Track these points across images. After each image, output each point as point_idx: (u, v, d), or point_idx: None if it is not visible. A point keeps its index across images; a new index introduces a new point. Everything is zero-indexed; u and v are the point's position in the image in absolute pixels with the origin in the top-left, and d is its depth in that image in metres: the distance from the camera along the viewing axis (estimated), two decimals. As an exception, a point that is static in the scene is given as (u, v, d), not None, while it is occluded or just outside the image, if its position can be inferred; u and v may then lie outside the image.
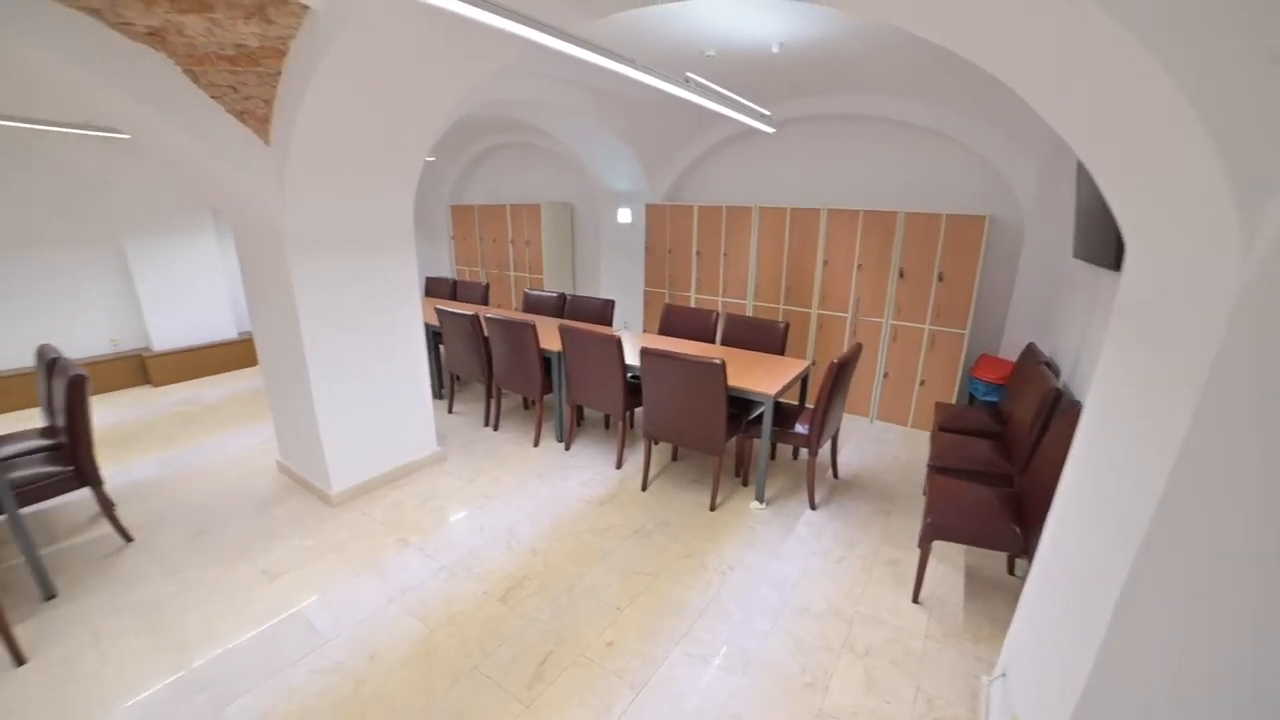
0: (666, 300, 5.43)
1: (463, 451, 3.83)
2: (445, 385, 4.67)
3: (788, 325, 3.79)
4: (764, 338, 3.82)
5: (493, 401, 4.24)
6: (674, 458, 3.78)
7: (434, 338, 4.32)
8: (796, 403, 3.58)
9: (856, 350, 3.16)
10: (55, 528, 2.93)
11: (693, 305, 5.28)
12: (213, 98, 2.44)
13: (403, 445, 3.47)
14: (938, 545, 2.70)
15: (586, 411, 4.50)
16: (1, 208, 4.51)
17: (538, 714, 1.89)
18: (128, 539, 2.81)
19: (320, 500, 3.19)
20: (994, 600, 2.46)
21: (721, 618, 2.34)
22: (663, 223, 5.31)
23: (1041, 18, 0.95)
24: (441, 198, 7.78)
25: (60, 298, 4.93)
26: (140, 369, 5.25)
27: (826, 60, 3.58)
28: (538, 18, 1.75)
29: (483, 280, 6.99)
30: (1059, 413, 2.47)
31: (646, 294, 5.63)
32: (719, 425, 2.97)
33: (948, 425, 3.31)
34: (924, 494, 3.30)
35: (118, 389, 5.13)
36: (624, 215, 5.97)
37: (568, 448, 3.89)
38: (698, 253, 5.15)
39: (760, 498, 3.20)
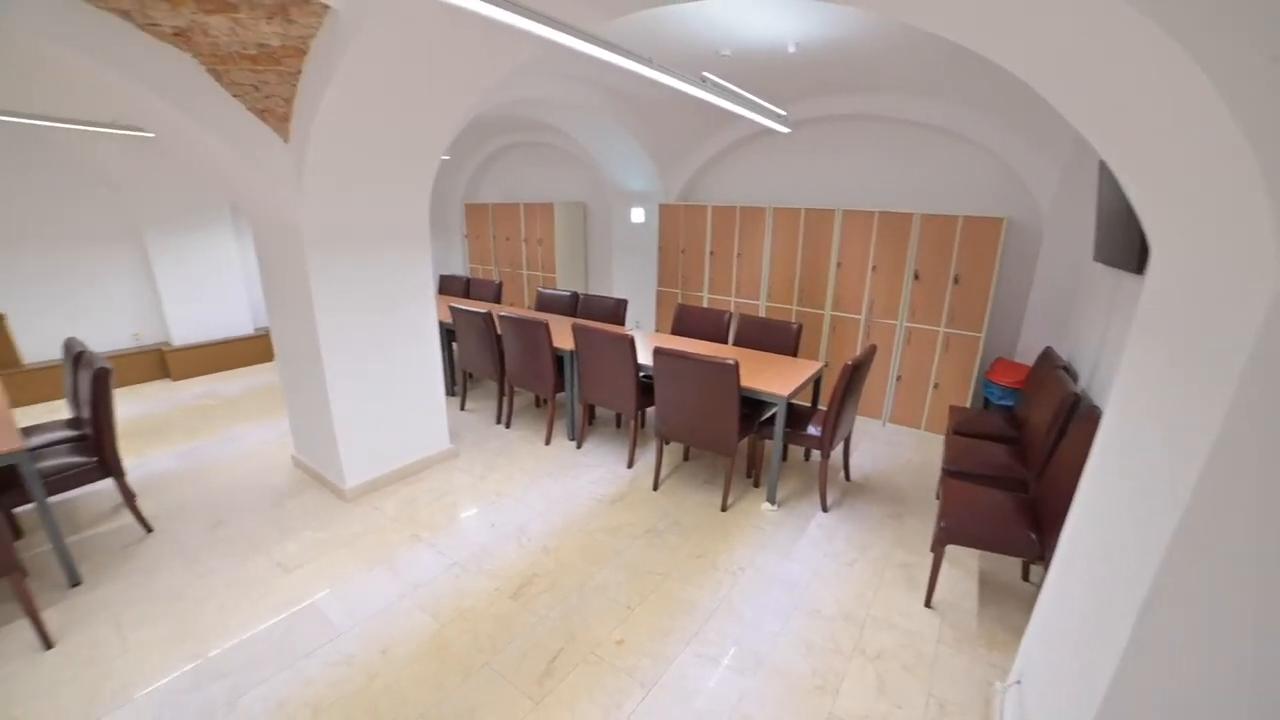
0: (679, 300, 5.43)
1: (475, 448, 3.86)
2: (457, 382, 4.70)
3: (801, 327, 3.77)
4: (777, 339, 3.81)
5: (505, 399, 4.26)
6: (685, 458, 3.77)
7: (447, 335, 4.36)
8: (809, 404, 3.56)
9: (871, 352, 3.14)
10: (79, 517, 2.99)
11: (705, 305, 5.27)
12: (234, 96, 2.48)
13: (415, 441, 3.50)
14: (951, 550, 2.67)
15: (598, 410, 4.51)
16: (31, 204, 4.63)
17: (548, 711, 1.90)
18: (148, 529, 2.87)
19: (334, 495, 3.23)
20: (1008, 606, 2.43)
21: (732, 618, 2.34)
22: (676, 222, 5.31)
23: (1072, 18, 0.94)
24: (456, 196, 7.83)
25: (86, 292, 5.05)
26: (160, 363, 5.34)
27: (843, 60, 3.56)
28: (555, 16, 1.75)
29: (496, 278, 7.04)
30: (1077, 418, 2.44)
31: (659, 294, 5.63)
32: (731, 426, 2.96)
33: (962, 429, 3.27)
34: (937, 498, 3.27)
35: (139, 382, 5.23)
36: (637, 215, 5.97)
37: (579, 446, 3.90)
38: (711, 253, 5.13)
39: (772, 499, 3.19)
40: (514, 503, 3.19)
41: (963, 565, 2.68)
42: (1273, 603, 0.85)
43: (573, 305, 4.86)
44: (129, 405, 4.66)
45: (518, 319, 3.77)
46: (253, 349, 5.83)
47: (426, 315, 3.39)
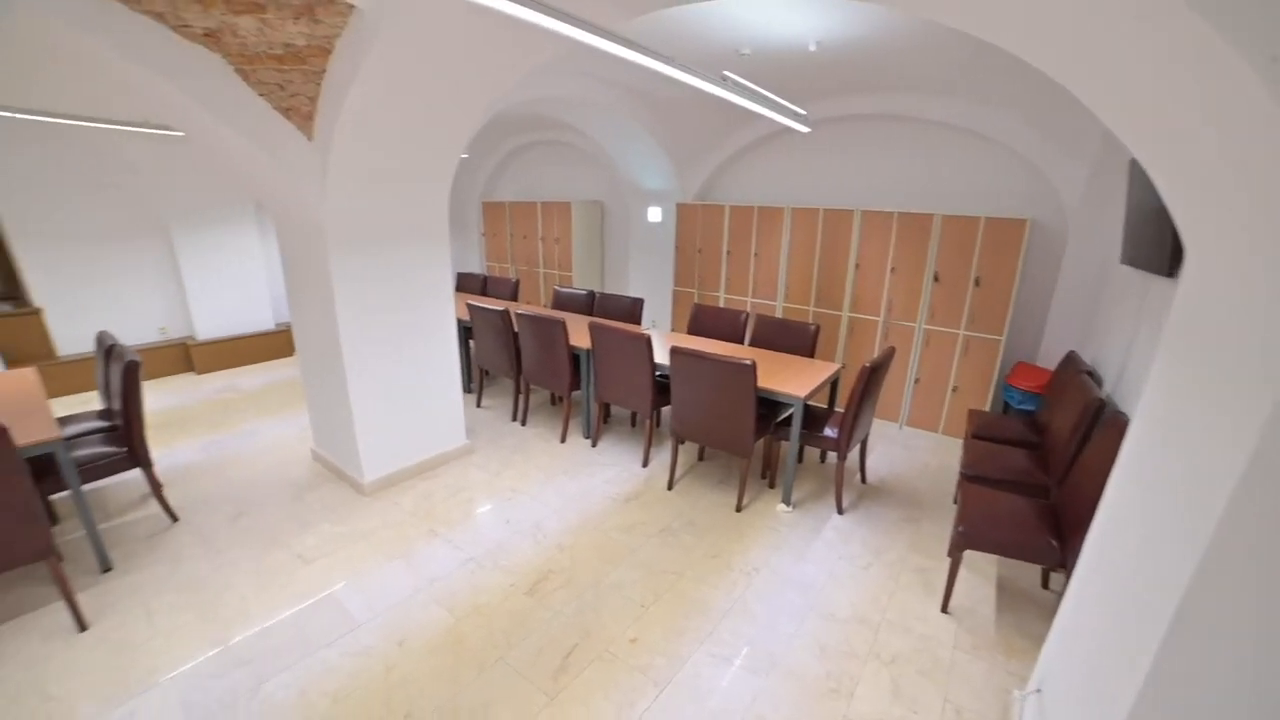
0: (695, 300, 5.42)
1: (491, 445, 3.89)
2: (474, 379, 4.74)
3: (818, 328, 3.74)
4: (794, 340, 3.78)
5: (521, 397, 4.29)
6: (700, 457, 3.77)
7: (464, 333, 4.40)
8: (826, 406, 3.54)
9: (889, 354, 3.11)
10: (109, 505, 3.07)
11: (721, 305, 5.25)
12: (260, 95, 2.53)
13: (433, 437, 3.54)
14: (968, 555, 2.63)
15: (613, 409, 4.52)
16: (66, 202, 4.77)
17: (562, 707, 1.92)
18: (173, 519, 2.94)
19: (352, 489, 3.28)
20: (1027, 613, 2.39)
21: (746, 619, 2.34)
22: (693, 222, 5.30)
23: (1106, 15, 0.92)
24: (473, 194, 7.90)
25: (116, 287, 5.19)
26: (185, 357, 5.47)
27: (864, 59, 3.52)
28: (577, 15, 1.76)
29: (513, 277, 7.09)
30: (1101, 424, 2.39)
31: (675, 293, 5.62)
32: (748, 426, 2.95)
33: (981, 433, 3.23)
34: (955, 502, 3.23)
35: (164, 375, 5.36)
36: (654, 214, 5.97)
37: (594, 445, 3.91)
38: (728, 252, 5.12)
39: (787, 500, 3.18)
40: (529, 500, 3.21)
41: (980, 571, 2.65)
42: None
43: (589, 304, 4.88)
44: (155, 397, 4.77)
45: (535, 317, 3.79)
46: (273, 344, 5.94)
47: (445, 313, 3.42)
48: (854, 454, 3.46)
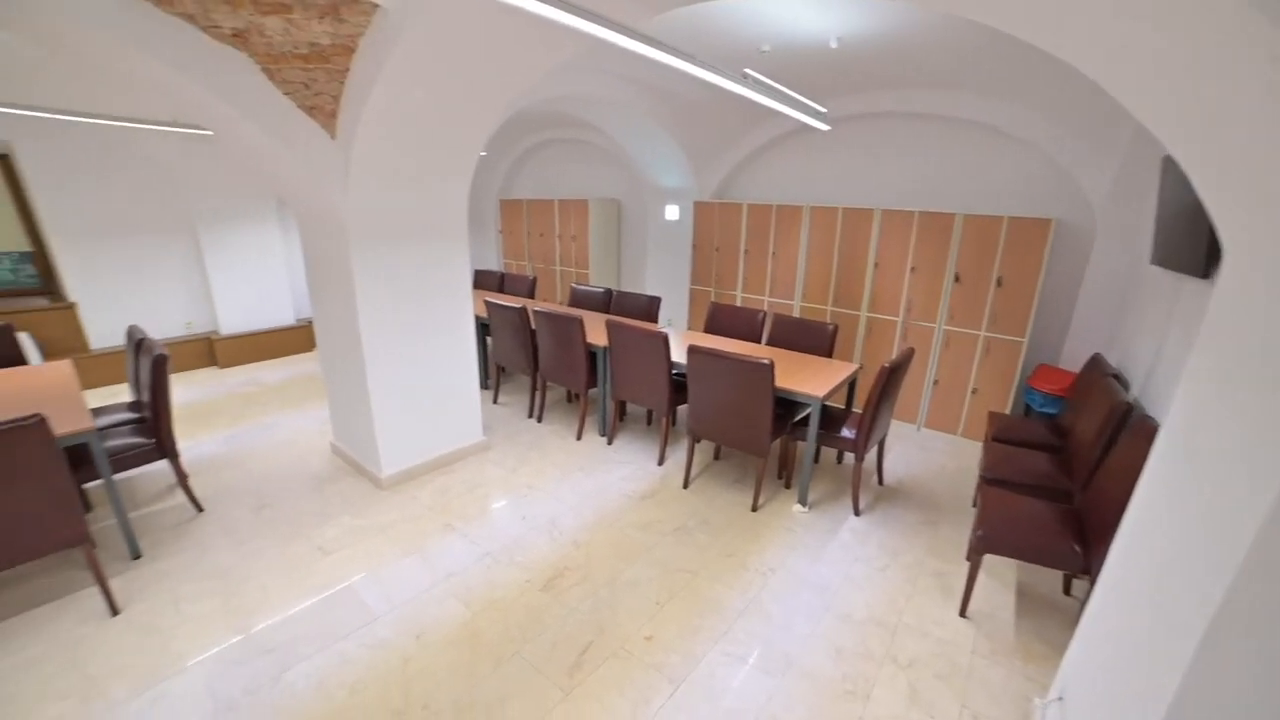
0: (712, 299, 5.40)
1: (507, 441, 3.92)
2: (491, 376, 4.78)
3: (836, 328, 3.71)
4: (812, 339, 3.75)
5: (537, 393, 4.32)
6: (716, 456, 3.76)
7: (481, 329, 4.43)
8: (843, 406, 3.51)
9: (908, 355, 3.07)
10: (138, 495, 3.16)
11: (738, 304, 5.22)
12: (285, 94, 2.57)
13: (450, 433, 3.57)
14: (988, 560, 2.60)
15: (629, 407, 4.52)
16: (99, 199, 4.90)
17: (577, 703, 1.93)
18: (199, 509, 3.00)
19: (371, 482, 3.32)
20: (1048, 620, 2.35)
21: (761, 619, 2.33)
22: (711, 220, 5.28)
23: (1138, 6, 0.90)
24: (490, 191, 7.95)
25: (145, 282, 5.31)
26: (209, 351, 5.58)
27: (887, 55, 3.48)
28: (600, 13, 1.76)
29: (530, 274, 7.12)
30: (1128, 428, 2.34)
31: (692, 292, 5.61)
32: (765, 426, 2.94)
33: (1002, 436, 3.17)
34: (974, 505, 3.18)
35: (189, 369, 5.48)
36: (671, 212, 5.96)
37: (610, 442, 3.92)
38: (745, 251, 5.09)
39: (803, 501, 3.16)
40: (545, 496, 3.23)
41: (999, 576, 2.61)
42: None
43: (606, 302, 4.89)
44: (181, 390, 4.89)
45: (552, 314, 3.80)
46: (294, 339, 6.05)
47: (463, 309, 3.45)
48: (871, 455, 3.43)
